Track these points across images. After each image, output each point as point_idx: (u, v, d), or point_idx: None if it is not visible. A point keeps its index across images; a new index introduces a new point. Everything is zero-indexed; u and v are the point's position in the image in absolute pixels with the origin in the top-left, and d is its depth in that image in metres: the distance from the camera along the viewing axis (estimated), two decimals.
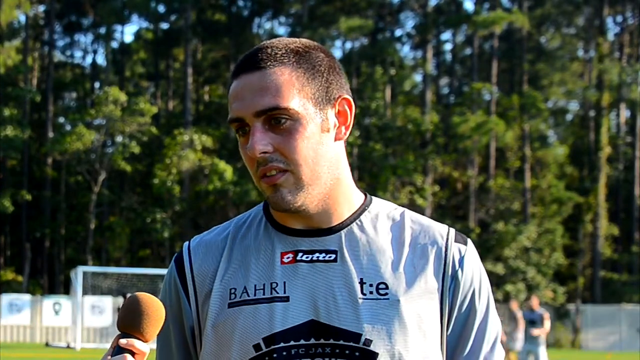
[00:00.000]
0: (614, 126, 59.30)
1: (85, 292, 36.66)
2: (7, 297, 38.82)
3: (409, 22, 61.48)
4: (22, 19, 55.88)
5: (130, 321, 1.75)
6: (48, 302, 38.82)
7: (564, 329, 48.04)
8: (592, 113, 58.09)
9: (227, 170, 48.59)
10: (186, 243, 1.98)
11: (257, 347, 1.83)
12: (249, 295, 1.86)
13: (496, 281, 47.23)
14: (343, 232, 1.89)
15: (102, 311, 37.77)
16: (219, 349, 1.87)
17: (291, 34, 55.97)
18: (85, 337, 36.92)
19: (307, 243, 1.88)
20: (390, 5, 59.66)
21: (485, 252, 47.70)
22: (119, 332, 1.77)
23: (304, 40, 1.91)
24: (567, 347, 46.94)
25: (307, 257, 1.87)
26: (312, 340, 1.82)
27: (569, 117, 64.00)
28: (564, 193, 53.09)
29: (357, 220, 1.90)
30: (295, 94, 1.82)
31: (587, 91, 57.27)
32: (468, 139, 52.12)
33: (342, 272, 1.86)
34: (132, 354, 1.74)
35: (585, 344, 46.94)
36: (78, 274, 35.56)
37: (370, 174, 50.94)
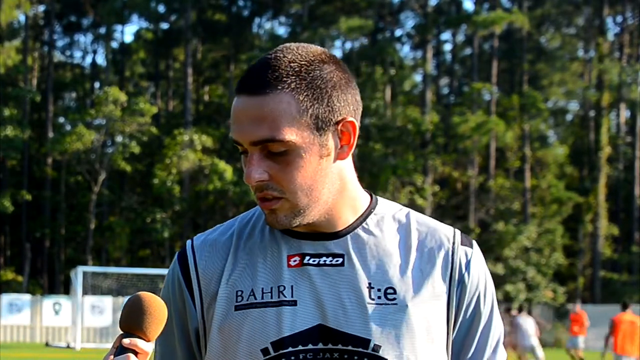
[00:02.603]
0: (614, 126, 59.26)
1: (85, 292, 36.64)
2: (7, 297, 38.78)
3: (409, 22, 61.50)
4: (22, 19, 55.89)
5: (133, 320, 1.74)
6: (48, 302, 38.79)
7: (564, 329, 48.00)
8: (592, 113, 58.07)
9: (227, 170, 48.58)
10: (189, 241, 1.94)
11: (265, 351, 1.81)
12: (256, 299, 1.83)
13: (496, 281, 47.20)
14: (349, 236, 1.86)
15: (102, 311, 37.75)
16: (224, 352, 1.85)
17: (291, 34, 55.98)
18: (85, 337, 36.89)
19: (314, 246, 1.86)
20: (390, 5, 59.62)
21: (485, 252, 47.68)
22: (121, 332, 1.76)
23: (312, 51, 1.83)
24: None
25: (314, 261, 1.84)
26: (321, 345, 1.80)
27: (569, 117, 64.01)
28: (564, 193, 53.07)
29: (364, 224, 1.88)
30: (293, 123, 1.77)
31: (587, 91, 57.25)
32: (468, 139, 52.12)
33: (349, 276, 1.84)
34: (135, 353, 1.72)
35: (585, 344, 46.90)
36: (78, 274, 35.54)
37: (370, 174, 50.88)
